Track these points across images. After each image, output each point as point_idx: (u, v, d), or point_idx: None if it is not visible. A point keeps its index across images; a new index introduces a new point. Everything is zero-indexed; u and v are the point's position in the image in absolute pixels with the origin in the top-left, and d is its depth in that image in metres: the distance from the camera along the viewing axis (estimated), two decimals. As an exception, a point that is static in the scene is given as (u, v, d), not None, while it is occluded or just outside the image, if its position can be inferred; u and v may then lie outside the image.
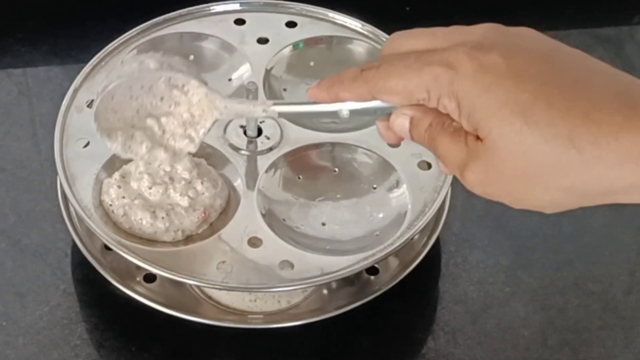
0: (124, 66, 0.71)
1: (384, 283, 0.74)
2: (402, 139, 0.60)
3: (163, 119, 0.71)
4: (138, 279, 0.74)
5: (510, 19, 0.98)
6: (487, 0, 0.98)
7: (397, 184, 0.76)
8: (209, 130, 0.71)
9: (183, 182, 0.73)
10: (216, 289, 0.72)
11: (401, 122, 0.58)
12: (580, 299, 0.78)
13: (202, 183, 0.74)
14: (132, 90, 0.70)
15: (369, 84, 0.58)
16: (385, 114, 0.60)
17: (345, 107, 0.60)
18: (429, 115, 0.57)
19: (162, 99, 0.70)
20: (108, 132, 0.71)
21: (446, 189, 0.75)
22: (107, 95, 0.70)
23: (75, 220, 0.76)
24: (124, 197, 0.73)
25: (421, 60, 0.56)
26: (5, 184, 0.83)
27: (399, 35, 0.59)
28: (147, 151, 0.72)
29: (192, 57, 0.84)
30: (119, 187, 0.74)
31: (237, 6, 0.87)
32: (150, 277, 0.74)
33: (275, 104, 0.65)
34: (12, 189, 0.83)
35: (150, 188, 0.73)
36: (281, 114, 0.66)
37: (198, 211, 0.73)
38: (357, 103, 0.60)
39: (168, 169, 0.73)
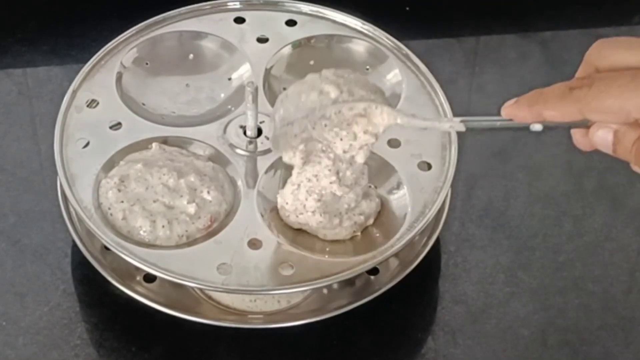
0: (301, 96, 0.69)
1: (384, 283, 0.74)
2: (595, 149, 0.58)
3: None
4: (138, 279, 0.74)
5: (510, 19, 0.98)
6: (488, 1, 0.98)
7: (398, 186, 0.76)
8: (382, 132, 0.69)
9: (189, 190, 0.74)
10: (217, 291, 0.72)
11: (603, 135, 0.57)
12: (580, 299, 0.78)
13: (208, 192, 0.74)
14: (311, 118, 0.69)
15: (580, 103, 0.55)
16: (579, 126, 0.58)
17: (538, 124, 0.58)
18: (635, 129, 0.56)
19: (342, 123, 0.68)
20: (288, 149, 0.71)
21: (446, 190, 0.75)
22: (288, 127, 0.69)
23: (75, 220, 0.76)
24: (122, 202, 0.73)
25: (638, 79, 0.54)
26: (5, 184, 0.83)
27: (607, 43, 0.57)
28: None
29: (191, 55, 0.84)
30: (119, 190, 0.74)
31: (237, 4, 0.87)
32: (150, 277, 0.74)
33: (463, 121, 0.63)
34: (12, 189, 0.83)
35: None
36: (469, 129, 0.63)
37: (204, 218, 0.73)
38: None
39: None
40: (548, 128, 0.58)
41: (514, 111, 0.59)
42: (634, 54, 0.56)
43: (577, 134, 0.59)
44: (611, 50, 0.57)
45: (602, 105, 0.55)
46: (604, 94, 0.55)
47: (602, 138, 0.57)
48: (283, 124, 0.70)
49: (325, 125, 0.68)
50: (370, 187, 0.75)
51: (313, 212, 0.73)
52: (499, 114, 0.60)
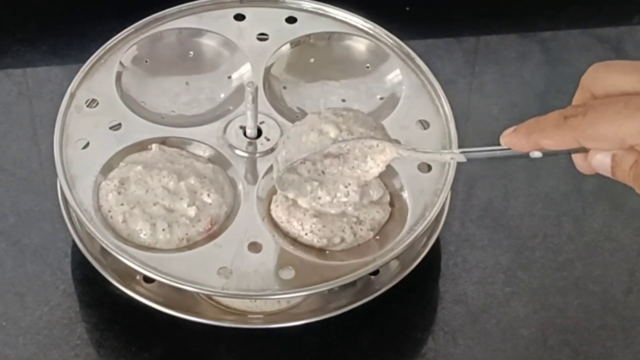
0: (302, 137, 0.70)
1: (384, 283, 0.74)
2: (597, 172, 0.59)
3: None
4: (138, 279, 0.74)
5: (510, 19, 0.98)
6: (488, 1, 0.98)
7: (399, 188, 0.76)
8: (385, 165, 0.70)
9: (189, 193, 0.74)
10: (217, 296, 0.72)
11: (602, 159, 0.57)
12: (580, 299, 0.78)
13: (209, 195, 0.74)
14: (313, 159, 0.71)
15: (575, 131, 0.56)
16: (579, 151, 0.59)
17: (538, 152, 0.59)
18: (633, 153, 0.56)
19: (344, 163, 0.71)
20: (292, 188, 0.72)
21: (446, 192, 0.75)
22: (290, 168, 0.70)
23: (75, 220, 0.76)
24: (122, 204, 0.73)
25: (631, 105, 0.54)
26: (5, 184, 0.83)
27: (602, 67, 0.57)
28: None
29: (191, 53, 0.84)
30: (119, 193, 0.74)
31: (236, 1, 0.86)
32: (150, 278, 0.73)
33: (463, 152, 0.64)
34: (12, 189, 0.83)
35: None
36: (470, 160, 0.65)
37: (204, 221, 0.73)
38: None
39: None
40: (547, 155, 0.59)
41: (512, 140, 0.60)
42: (628, 79, 0.56)
43: (578, 158, 0.59)
44: (605, 75, 0.57)
45: (596, 133, 0.55)
46: (597, 121, 0.55)
47: (600, 162, 0.57)
48: (286, 165, 0.70)
49: (332, 165, 0.70)
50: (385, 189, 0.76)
51: (312, 232, 0.73)
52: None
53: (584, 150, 0.58)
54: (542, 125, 0.58)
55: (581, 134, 0.56)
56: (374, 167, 0.70)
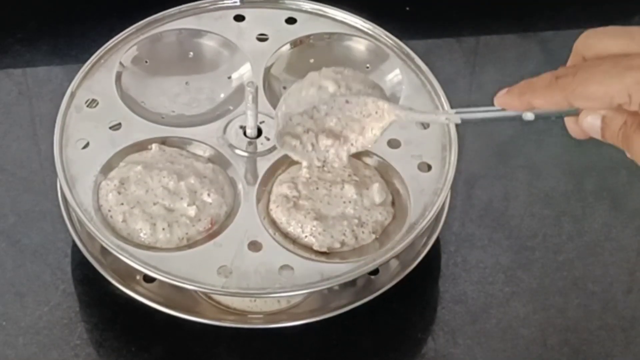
0: (301, 91, 0.71)
1: (384, 283, 0.74)
2: (590, 136, 0.60)
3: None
4: (138, 278, 0.74)
5: (510, 19, 0.98)
6: (488, 1, 0.98)
7: (400, 189, 0.76)
8: (385, 130, 0.71)
9: (189, 192, 0.74)
10: (217, 294, 0.72)
11: (592, 120, 0.58)
12: (580, 299, 0.78)
13: (209, 195, 0.74)
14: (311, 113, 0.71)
15: (565, 91, 0.57)
16: (571, 114, 0.59)
17: (530, 112, 0.60)
18: (622, 114, 0.57)
19: (339, 118, 0.71)
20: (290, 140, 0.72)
21: (446, 192, 0.75)
22: (289, 121, 0.70)
23: (75, 220, 0.76)
24: (122, 204, 0.73)
25: (621, 65, 0.55)
26: (5, 184, 0.83)
27: (593, 32, 0.59)
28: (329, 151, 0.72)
29: (191, 54, 0.84)
30: (119, 193, 0.74)
31: (237, 2, 0.86)
32: (150, 277, 0.73)
33: (458, 112, 0.65)
34: (12, 189, 0.83)
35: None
36: (464, 121, 0.65)
37: (204, 221, 0.73)
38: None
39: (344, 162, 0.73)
40: (540, 117, 0.60)
41: (505, 100, 0.61)
42: (618, 43, 0.57)
43: (569, 122, 0.60)
44: (596, 40, 0.58)
45: (586, 92, 0.56)
46: (587, 81, 0.56)
47: (590, 124, 0.58)
48: (285, 119, 0.70)
49: (326, 115, 0.70)
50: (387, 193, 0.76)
51: (312, 235, 0.73)
52: (492, 104, 0.62)
53: (574, 113, 0.59)
54: (534, 85, 0.59)
55: (571, 93, 0.57)
56: (369, 133, 0.71)
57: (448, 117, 0.66)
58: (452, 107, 0.79)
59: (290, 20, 0.86)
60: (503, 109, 0.61)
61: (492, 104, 0.62)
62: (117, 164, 0.76)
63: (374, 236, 0.74)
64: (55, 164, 0.75)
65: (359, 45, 0.85)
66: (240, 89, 0.81)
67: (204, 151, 0.78)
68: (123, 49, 0.83)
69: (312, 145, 0.72)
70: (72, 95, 0.79)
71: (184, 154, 0.77)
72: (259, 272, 0.71)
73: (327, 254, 0.73)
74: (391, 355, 0.75)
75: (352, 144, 0.72)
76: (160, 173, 0.75)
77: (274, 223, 0.74)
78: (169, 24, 0.85)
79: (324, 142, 0.72)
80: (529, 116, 0.60)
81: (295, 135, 0.72)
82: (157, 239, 0.72)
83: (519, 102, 0.60)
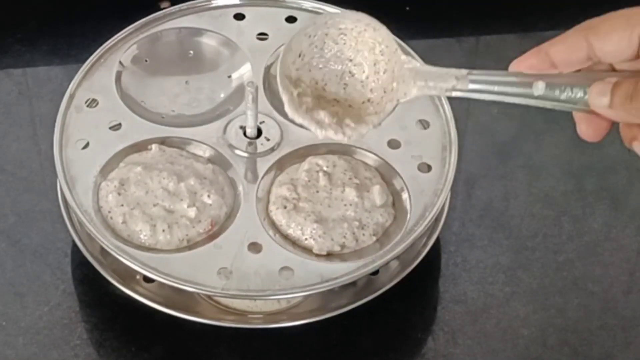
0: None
1: (384, 283, 0.74)
2: (601, 134, 0.57)
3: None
4: (138, 278, 0.74)
5: (510, 19, 0.98)
6: (488, 1, 0.98)
7: (399, 189, 0.76)
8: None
9: (189, 194, 0.74)
10: (217, 296, 0.72)
11: (602, 87, 0.55)
12: (580, 299, 0.78)
13: (209, 196, 0.74)
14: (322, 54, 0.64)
15: (585, 30, 0.56)
16: (579, 106, 0.57)
17: (541, 81, 0.57)
18: (634, 75, 0.55)
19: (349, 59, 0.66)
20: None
21: (446, 193, 0.75)
22: (292, 53, 0.63)
23: (75, 220, 0.76)
24: (122, 205, 0.73)
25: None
26: (5, 184, 0.83)
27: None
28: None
29: (191, 53, 0.84)
30: (119, 194, 0.74)
31: (237, 0, 0.86)
32: (150, 278, 0.73)
33: (470, 74, 0.59)
34: (12, 189, 0.83)
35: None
36: (473, 81, 0.59)
37: (205, 222, 0.73)
38: (555, 77, 0.57)
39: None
40: (548, 98, 0.57)
41: (521, 59, 0.58)
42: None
43: (580, 124, 0.58)
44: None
45: (607, 25, 0.55)
46: (609, 16, 0.55)
47: (600, 90, 0.55)
48: (285, 48, 0.66)
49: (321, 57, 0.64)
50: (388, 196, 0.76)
51: (312, 238, 0.73)
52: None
53: (584, 108, 0.56)
54: (551, 40, 0.57)
55: (591, 30, 0.56)
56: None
57: (457, 75, 0.59)
58: (451, 107, 0.79)
59: (291, 19, 0.86)
60: (516, 75, 0.58)
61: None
62: (117, 164, 0.76)
63: (374, 238, 0.74)
64: (55, 164, 0.75)
65: (359, 45, 0.85)
66: (240, 89, 0.81)
67: (203, 151, 0.78)
68: (123, 48, 0.83)
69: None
70: (72, 95, 0.79)
71: (184, 155, 0.77)
72: (259, 273, 0.71)
73: (327, 255, 0.73)
74: (391, 355, 0.75)
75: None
76: (160, 174, 0.75)
77: (273, 224, 0.74)
78: (168, 23, 0.85)
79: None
80: (539, 87, 0.57)
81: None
82: (157, 241, 0.72)
83: (535, 58, 0.58)
